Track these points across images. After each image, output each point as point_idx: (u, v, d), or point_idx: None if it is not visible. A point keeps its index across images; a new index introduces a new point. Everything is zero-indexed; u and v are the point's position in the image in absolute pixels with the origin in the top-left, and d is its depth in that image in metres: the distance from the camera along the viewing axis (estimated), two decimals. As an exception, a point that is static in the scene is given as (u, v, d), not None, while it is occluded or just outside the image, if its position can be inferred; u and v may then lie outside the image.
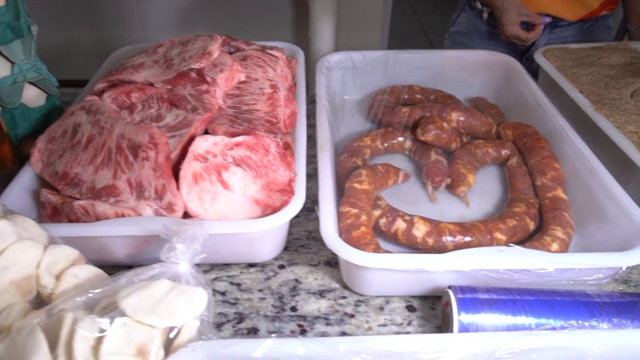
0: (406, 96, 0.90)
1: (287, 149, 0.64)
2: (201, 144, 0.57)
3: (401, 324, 0.54)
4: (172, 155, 0.57)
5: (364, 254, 0.50)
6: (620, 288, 0.58)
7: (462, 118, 0.77)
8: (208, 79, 0.65)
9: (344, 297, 0.57)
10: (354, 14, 2.32)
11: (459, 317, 0.46)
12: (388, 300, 0.56)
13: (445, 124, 0.75)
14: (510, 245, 0.53)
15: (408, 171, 0.73)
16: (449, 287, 0.50)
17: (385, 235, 0.62)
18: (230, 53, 0.79)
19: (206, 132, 0.62)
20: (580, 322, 0.46)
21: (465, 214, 0.69)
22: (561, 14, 1.21)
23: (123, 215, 0.54)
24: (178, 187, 0.55)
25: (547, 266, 0.48)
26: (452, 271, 0.51)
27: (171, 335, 0.41)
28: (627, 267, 0.50)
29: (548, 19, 1.15)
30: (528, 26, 1.11)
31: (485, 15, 1.22)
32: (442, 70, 0.94)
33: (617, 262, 0.48)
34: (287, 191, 0.58)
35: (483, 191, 0.73)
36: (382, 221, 0.62)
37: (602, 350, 0.38)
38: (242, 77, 0.72)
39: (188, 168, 0.56)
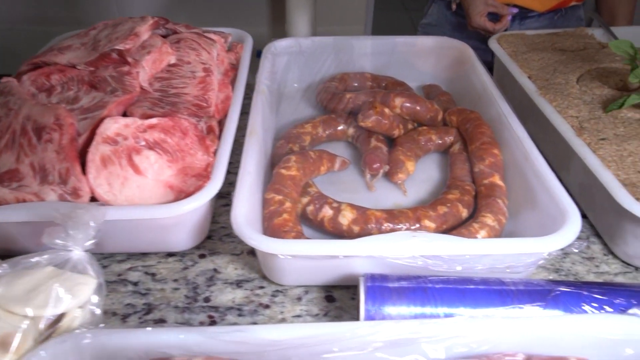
0: (356, 83, 0.87)
1: (210, 133, 0.61)
2: (110, 126, 0.54)
3: (317, 314, 0.51)
4: (81, 138, 0.54)
5: (270, 240, 0.47)
6: (551, 277, 0.55)
7: (406, 104, 0.74)
8: (130, 60, 0.63)
9: (261, 288, 0.54)
10: (334, 8, 2.29)
11: (365, 306, 0.44)
12: (307, 291, 0.54)
13: (386, 110, 0.73)
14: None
15: (347, 158, 0.70)
16: (362, 276, 0.47)
17: (312, 223, 0.60)
18: (166, 36, 0.76)
19: (124, 115, 0.60)
20: (490, 309, 0.43)
21: (402, 201, 0.66)
22: (529, 4, 1.18)
23: (24, 201, 0.51)
24: (85, 171, 0.52)
25: (459, 252, 0.45)
26: (368, 259, 0.48)
27: (42, 326, 0.38)
28: (549, 254, 0.47)
29: (515, 10, 1.13)
30: (496, 17, 1.09)
31: (453, 6, 1.19)
32: (396, 57, 0.92)
33: (532, 248, 0.46)
34: (203, 176, 0.55)
35: (424, 179, 0.70)
36: (310, 208, 0.60)
37: (494, 338, 0.36)
38: (173, 60, 0.69)
39: (96, 151, 0.53)
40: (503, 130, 0.66)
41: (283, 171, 0.61)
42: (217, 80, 0.71)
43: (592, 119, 0.62)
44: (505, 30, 1.10)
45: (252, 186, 0.56)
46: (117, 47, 0.63)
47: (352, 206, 0.59)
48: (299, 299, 0.53)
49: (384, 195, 0.67)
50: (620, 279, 0.55)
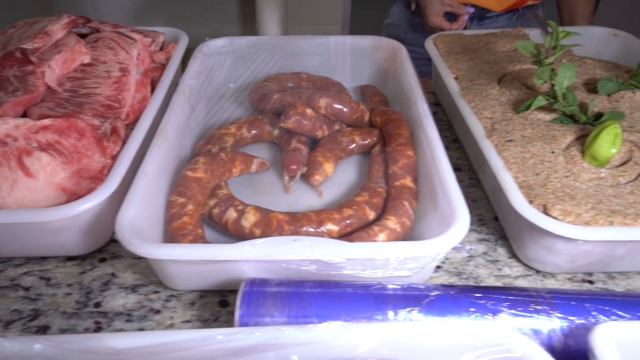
0: (291, 84, 0.86)
1: (114, 134, 0.60)
2: (-1, 127, 0.52)
3: (207, 319, 0.50)
4: (-29, 140, 0.53)
5: (147, 245, 0.46)
6: (451, 280, 0.54)
7: (331, 105, 0.73)
8: (33, 59, 0.61)
9: (156, 292, 0.53)
10: (308, 8, 2.28)
11: (239, 311, 0.43)
12: (203, 295, 0.53)
13: (308, 111, 0.72)
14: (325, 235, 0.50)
15: (267, 160, 0.70)
16: (245, 281, 0.46)
17: (218, 226, 0.59)
18: (85, 35, 0.75)
19: (24, 116, 0.58)
20: (365, 314, 0.42)
21: (317, 204, 0.65)
22: (486, 4, 1.18)
23: None
24: (-29, 174, 0.51)
25: (335, 257, 0.44)
26: (254, 263, 0.48)
27: None
28: (435, 257, 0.47)
29: (471, 10, 1.13)
30: (454, 17, 1.09)
31: (412, 6, 1.19)
32: (334, 57, 0.91)
33: (412, 251, 0.45)
34: (98, 178, 0.54)
35: (344, 181, 0.69)
36: (215, 211, 0.59)
37: (346, 343, 0.35)
38: (87, 59, 0.68)
39: (-17, 153, 0.52)
40: (420, 132, 0.66)
41: (189, 173, 0.60)
42: (135, 81, 0.70)
43: (504, 120, 0.62)
44: (465, 29, 1.10)
45: (151, 188, 0.55)
46: (22, 46, 0.62)
47: (257, 209, 0.58)
48: (193, 303, 0.52)
49: (300, 198, 0.66)
50: (519, 282, 0.54)
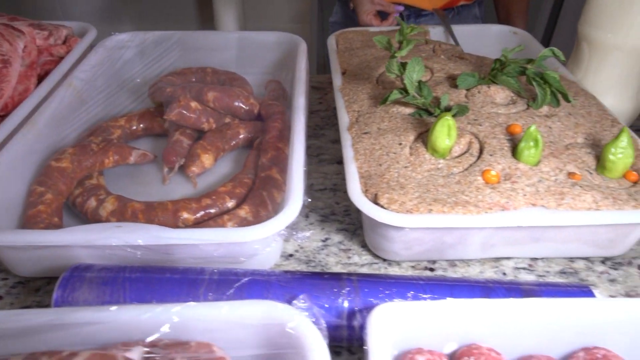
0: (194, 78, 0.87)
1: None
2: None
3: (47, 305, 0.51)
4: None
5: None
6: (300, 267, 0.56)
7: (218, 98, 0.75)
8: None
9: (4, 279, 0.54)
10: (265, 6, 2.29)
11: (55, 295, 0.44)
12: (50, 282, 0.54)
13: (192, 104, 0.73)
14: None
15: (150, 152, 0.71)
16: (71, 266, 0.47)
17: (81, 215, 0.60)
18: (-27, 27, 0.75)
19: None
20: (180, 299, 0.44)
21: (190, 195, 0.66)
22: (417, 3, 1.20)
23: None
24: None
25: (155, 242, 0.46)
26: (86, 249, 0.49)
27: None
28: (265, 243, 0.48)
29: (401, 8, 1.14)
30: (386, 15, 1.10)
31: (351, 5, 1.21)
32: (242, 52, 0.92)
33: (232, 237, 0.46)
34: (-51, 167, 0.54)
35: (225, 173, 0.71)
36: (78, 200, 0.60)
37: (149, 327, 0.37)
38: (-34, 51, 0.68)
39: None
40: (293, 124, 0.67)
41: (52, 163, 0.61)
42: (19, 72, 0.70)
43: (368, 113, 0.63)
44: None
45: (7, 177, 0.56)
46: None
47: (117, 198, 0.59)
48: (38, 290, 0.53)
49: (176, 189, 0.67)
50: (364, 270, 0.56)
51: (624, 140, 0.51)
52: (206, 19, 2.30)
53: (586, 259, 0.57)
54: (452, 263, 0.56)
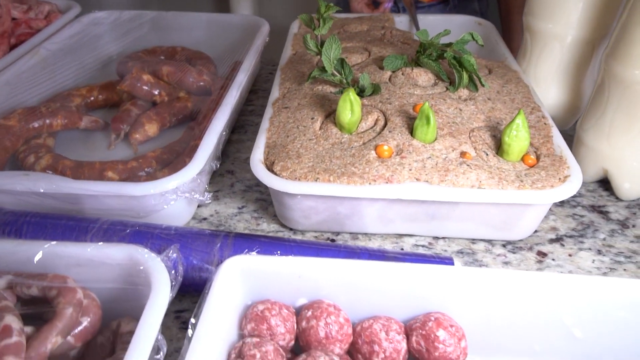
0: (163, 57, 0.92)
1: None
2: None
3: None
4: None
5: None
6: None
7: (172, 73, 0.79)
8: None
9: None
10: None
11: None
12: (-19, 226, 0.59)
13: (145, 76, 0.77)
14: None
15: (101, 119, 0.75)
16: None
17: (23, 170, 0.65)
18: (-44, -2, 0.82)
19: None
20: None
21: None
22: None
23: None
24: None
25: (54, 190, 0.50)
26: (2, 193, 0.53)
27: None
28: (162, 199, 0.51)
29: None
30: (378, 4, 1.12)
31: None
32: (210, 33, 0.96)
33: (125, 191, 0.50)
34: None
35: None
36: (20, 156, 0.65)
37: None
38: (-57, 18, 0.75)
39: None
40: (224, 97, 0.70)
41: (0, 121, 0.66)
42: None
43: (296, 90, 0.65)
44: None
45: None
46: None
47: (53, 156, 0.64)
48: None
49: (120, 155, 0.71)
50: (268, 236, 0.58)
51: (519, 123, 0.51)
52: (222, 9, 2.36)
53: (489, 241, 0.57)
54: (355, 236, 0.58)
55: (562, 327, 0.41)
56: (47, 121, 0.70)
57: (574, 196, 0.63)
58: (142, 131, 0.72)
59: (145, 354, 0.35)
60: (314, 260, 0.42)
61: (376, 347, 0.39)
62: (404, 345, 0.39)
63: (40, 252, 0.42)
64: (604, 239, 0.57)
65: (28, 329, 0.38)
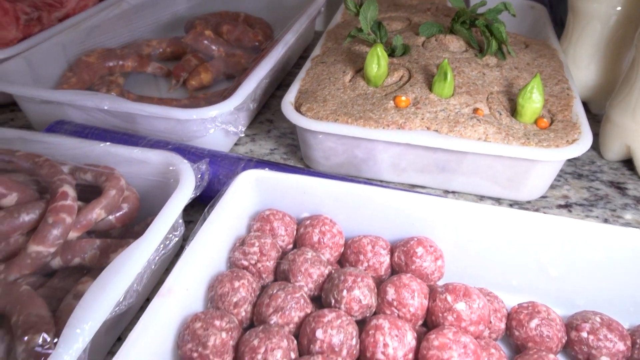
0: (228, 19, 1.00)
1: (38, 21, 0.79)
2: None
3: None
4: None
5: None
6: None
7: (230, 32, 0.87)
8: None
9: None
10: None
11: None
12: (58, 140, 0.70)
13: (207, 32, 0.86)
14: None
15: (165, 67, 0.85)
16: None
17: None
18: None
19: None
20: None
21: (183, 101, 0.80)
22: None
23: None
24: None
25: (119, 109, 0.59)
26: (74, 108, 0.64)
27: None
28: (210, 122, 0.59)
29: None
30: None
31: None
32: (273, 3, 1.04)
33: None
34: (9, 46, 0.73)
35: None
36: (95, 88, 0.76)
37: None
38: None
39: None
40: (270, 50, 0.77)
41: (83, 57, 0.78)
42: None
43: (335, 49, 0.71)
44: None
45: (45, 62, 0.74)
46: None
47: (121, 90, 0.74)
48: (48, 143, 0.70)
49: (175, 96, 0.81)
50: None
51: (534, 85, 0.54)
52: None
53: (497, 200, 0.60)
54: (370, 184, 0.63)
55: (538, 265, 0.44)
56: (121, 62, 0.81)
57: (594, 171, 0.64)
58: (197, 78, 0.81)
59: (165, 228, 0.42)
60: (318, 179, 0.47)
61: (361, 257, 0.44)
62: (386, 259, 0.44)
63: (97, 150, 0.51)
64: (615, 211, 0.58)
65: (80, 203, 0.47)
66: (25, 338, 0.33)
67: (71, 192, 0.44)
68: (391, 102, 0.57)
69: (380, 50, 0.59)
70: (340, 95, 0.60)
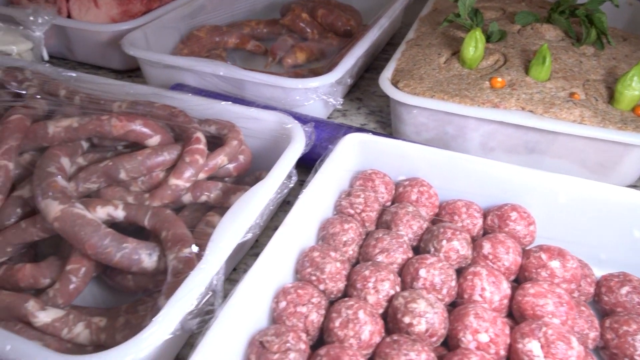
0: (320, 4, 1.06)
1: (157, -4, 0.88)
2: (88, -26, 0.84)
3: (164, 114, 0.76)
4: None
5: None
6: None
7: (325, 15, 0.93)
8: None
9: (146, 95, 0.80)
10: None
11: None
12: (170, 103, 0.78)
13: (304, 15, 0.92)
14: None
15: (263, 45, 0.92)
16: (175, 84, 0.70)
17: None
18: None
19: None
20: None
21: (280, 77, 0.86)
22: None
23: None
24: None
25: (232, 75, 0.66)
26: (191, 73, 0.71)
27: None
28: (310, 92, 0.65)
29: None
30: None
31: None
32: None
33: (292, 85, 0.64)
34: (134, 18, 0.82)
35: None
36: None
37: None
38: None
39: (76, -11, 0.84)
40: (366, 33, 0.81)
41: (194, 31, 0.86)
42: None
43: (430, 33, 0.74)
44: None
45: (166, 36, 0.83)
46: None
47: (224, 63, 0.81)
48: (162, 105, 0.78)
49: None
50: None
51: (635, 73, 0.55)
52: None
53: (583, 186, 0.61)
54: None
55: (631, 240, 0.45)
56: (225, 38, 0.88)
57: (688, 166, 0.64)
58: (293, 57, 0.87)
59: (283, 174, 0.48)
60: (417, 145, 0.52)
61: (456, 218, 0.47)
62: (479, 222, 0.47)
63: (216, 107, 0.57)
64: None
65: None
66: (176, 248, 0.40)
67: (203, 138, 0.51)
68: (487, 82, 0.60)
69: (478, 34, 0.62)
70: (436, 75, 0.64)
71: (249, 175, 0.57)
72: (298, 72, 0.80)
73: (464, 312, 0.36)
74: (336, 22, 0.93)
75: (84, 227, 0.40)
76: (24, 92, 0.57)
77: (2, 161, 0.43)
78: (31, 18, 0.75)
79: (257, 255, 0.39)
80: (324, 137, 0.60)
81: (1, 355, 0.30)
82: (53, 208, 0.40)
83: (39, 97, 0.55)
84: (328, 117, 0.75)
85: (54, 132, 0.46)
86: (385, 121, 0.75)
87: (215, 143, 0.55)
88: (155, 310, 0.38)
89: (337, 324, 0.35)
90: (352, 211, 0.47)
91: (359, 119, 0.76)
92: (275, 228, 0.42)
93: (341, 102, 0.67)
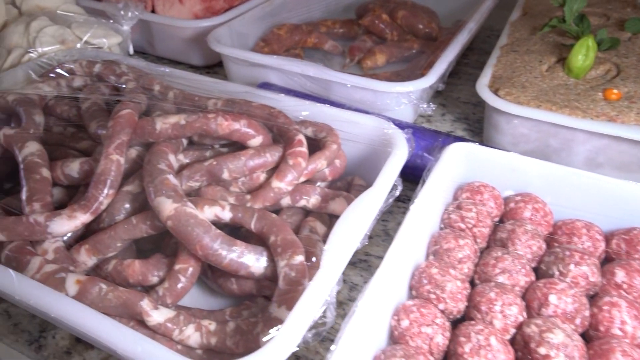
0: (394, 5, 1.03)
1: (239, -6, 0.87)
2: (174, -30, 0.84)
3: (245, 112, 0.75)
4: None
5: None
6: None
7: (405, 17, 0.90)
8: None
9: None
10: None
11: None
12: (250, 101, 0.78)
13: (384, 16, 0.89)
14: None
15: (340, 46, 0.90)
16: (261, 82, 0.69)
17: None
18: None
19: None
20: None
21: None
22: None
23: None
24: (154, -6, 0.84)
25: (319, 76, 0.64)
26: (276, 72, 0.70)
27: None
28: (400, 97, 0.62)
29: None
30: None
31: None
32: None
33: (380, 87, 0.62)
34: (218, 14, 0.82)
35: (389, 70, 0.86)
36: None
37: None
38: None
39: (162, -16, 0.84)
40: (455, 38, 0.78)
41: (275, 29, 0.85)
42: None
43: (526, 39, 0.70)
44: None
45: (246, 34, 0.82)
46: None
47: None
48: (242, 103, 0.77)
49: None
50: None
51: None
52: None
53: (701, 211, 0.56)
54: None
55: None
56: (305, 37, 0.87)
57: None
58: (373, 59, 0.85)
59: (390, 183, 0.46)
60: (530, 159, 0.48)
61: (575, 239, 0.44)
62: (602, 245, 0.44)
63: (310, 109, 0.56)
64: None
65: (303, 153, 0.52)
66: (287, 255, 0.38)
67: (304, 141, 0.49)
68: (599, 93, 0.56)
69: (591, 42, 0.58)
70: (539, 84, 0.60)
71: (341, 179, 0.55)
72: (383, 74, 0.78)
73: (608, 348, 0.33)
74: (417, 24, 0.90)
75: (196, 227, 0.39)
76: (123, 85, 0.57)
77: (115, 156, 0.43)
78: (122, 12, 0.76)
79: (352, 265, 0.37)
80: (421, 144, 0.57)
81: (131, 356, 0.30)
82: (167, 206, 0.39)
83: (138, 92, 0.55)
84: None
85: (162, 129, 0.46)
86: (474, 129, 0.71)
87: (310, 145, 0.54)
88: (267, 318, 0.37)
89: (466, 349, 0.33)
90: (463, 225, 0.44)
91: (444, 125, 0.73)
92: (371, 238, 0.40)
93: (433, 108, 0.65)
